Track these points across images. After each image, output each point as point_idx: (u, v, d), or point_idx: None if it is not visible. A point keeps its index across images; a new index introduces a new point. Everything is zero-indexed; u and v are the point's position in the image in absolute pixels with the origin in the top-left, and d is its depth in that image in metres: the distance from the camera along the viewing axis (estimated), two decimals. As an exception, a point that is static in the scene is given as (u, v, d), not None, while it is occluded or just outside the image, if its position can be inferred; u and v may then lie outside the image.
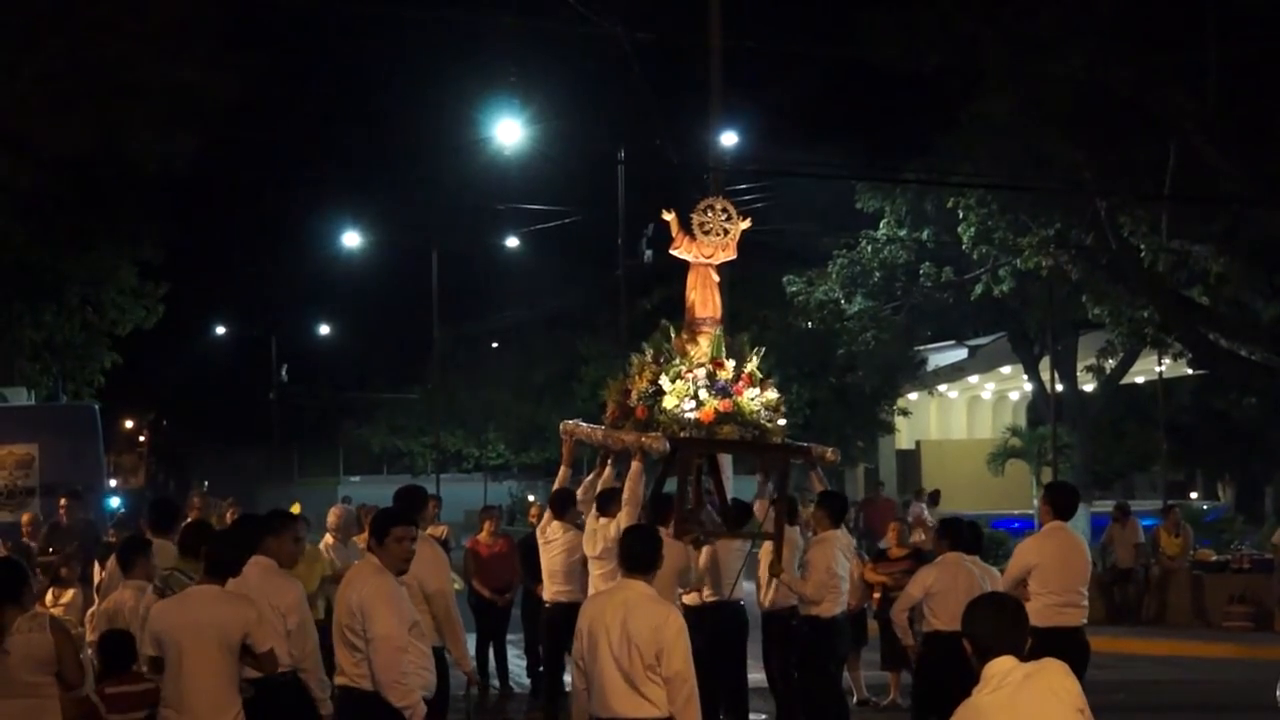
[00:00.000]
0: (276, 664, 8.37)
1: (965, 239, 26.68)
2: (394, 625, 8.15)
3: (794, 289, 29.87)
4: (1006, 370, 42.27)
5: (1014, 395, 48.22)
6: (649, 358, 12.40)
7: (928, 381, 38.91)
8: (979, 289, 28.39)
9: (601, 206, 34.50)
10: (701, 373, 12.09)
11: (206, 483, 54.53)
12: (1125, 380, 36.05)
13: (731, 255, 13.18)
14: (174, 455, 73.44)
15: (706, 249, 12.76)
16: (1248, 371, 26.80)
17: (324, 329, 68.53)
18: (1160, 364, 31.23)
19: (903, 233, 28.80)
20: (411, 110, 73.64)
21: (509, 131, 31.28)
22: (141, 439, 72.56)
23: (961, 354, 40.71)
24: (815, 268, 30.24)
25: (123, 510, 27.20)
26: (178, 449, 72.97)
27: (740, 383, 12.19)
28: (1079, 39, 22.90)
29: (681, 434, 11.87)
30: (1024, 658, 5.58)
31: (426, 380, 53.12)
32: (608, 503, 12.52)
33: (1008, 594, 6.05)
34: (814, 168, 31.75)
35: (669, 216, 13.07)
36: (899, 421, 39.09)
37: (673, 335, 12.65)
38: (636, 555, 7.62)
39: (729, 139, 26.30)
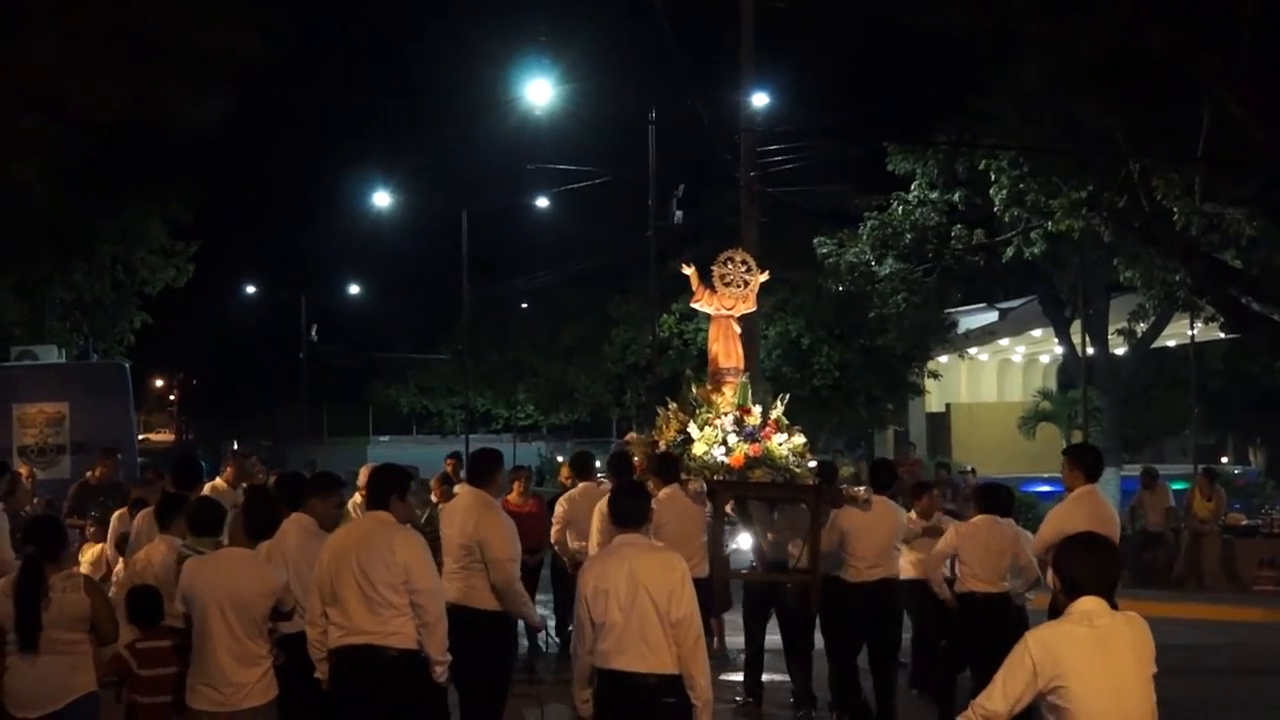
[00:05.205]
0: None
1: (997, 201, 26.51)
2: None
3: (824, 251, 29.70)
4: (1037, 333, 42.14)
5: (1045, 358, 48.11)
6: (675, 410, 12.42)
7: (958, 344, 38.77)
8: (1010, 251, 28.23)
9: (632, 167, 34.39)
10: (729, 419, 12.08)
11: (236, 443, 54.73)
12: (1156, 344, 35.86)
13: (751, 307, 13.29)
14: (204, 414, 73.69)
15: (728, 301, 12.78)
16: (1280, 335, 26.63)
17: (354, 289, 68.58)
18: (1192, 328, 31.04)
19: (934, 195, 28.60)
20: (442, 70, 73.77)
21: (539, 91, 31.17)
22: (171, 398, 72.93)
23: (992, 317, 40.58)
24: (846, 229, 30.07)
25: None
26: (208, 408, 73.18)
27: (768, 428, 12.18)
28: (1111, 2, 22.67)
29: (715, 478, 11.88)
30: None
31: (456, 341, 53.12)
32: (583, 468, 13.71)
33: (1102, 535, 6.09)
34: (845, 129, 31.55)
35: (689, 270, 13.10)
36: (929, 384, 38.97)
37: (695, 387, 12.74)
38: (627, 511, 7.78)
39: (760, 100, 26.21)
